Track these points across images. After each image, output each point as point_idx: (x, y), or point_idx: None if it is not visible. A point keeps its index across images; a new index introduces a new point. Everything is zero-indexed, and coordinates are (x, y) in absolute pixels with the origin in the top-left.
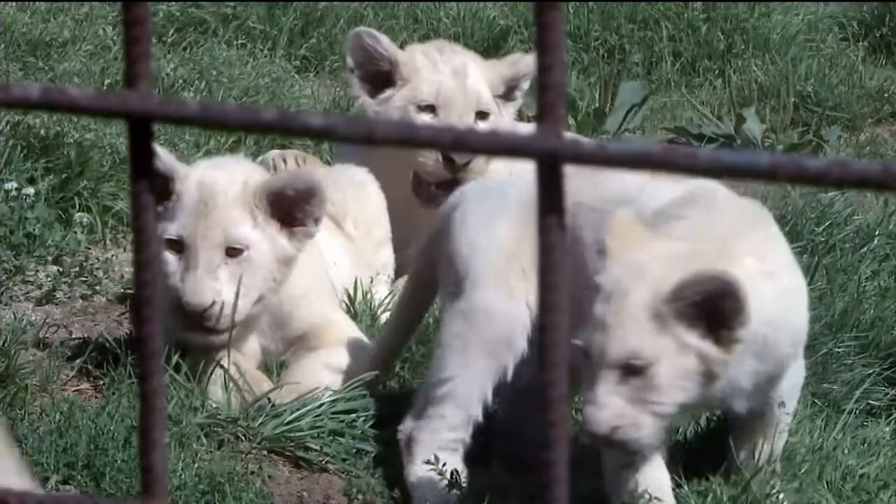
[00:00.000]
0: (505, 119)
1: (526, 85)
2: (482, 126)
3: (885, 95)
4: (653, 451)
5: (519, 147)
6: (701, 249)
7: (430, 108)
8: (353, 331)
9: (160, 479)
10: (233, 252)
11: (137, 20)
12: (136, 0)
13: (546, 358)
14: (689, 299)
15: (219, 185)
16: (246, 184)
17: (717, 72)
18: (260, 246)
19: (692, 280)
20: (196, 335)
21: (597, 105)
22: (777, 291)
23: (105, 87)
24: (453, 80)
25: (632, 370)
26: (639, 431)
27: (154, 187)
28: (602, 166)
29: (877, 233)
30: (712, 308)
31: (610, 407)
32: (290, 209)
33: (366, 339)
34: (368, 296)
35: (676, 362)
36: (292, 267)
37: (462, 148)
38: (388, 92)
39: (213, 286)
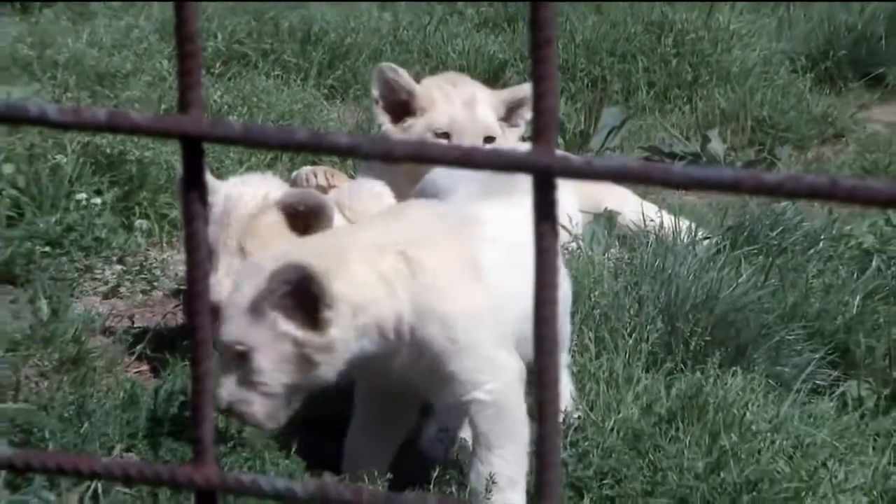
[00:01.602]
0: (509, 141)
1: (528, 112)
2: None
3: (829, 119)
4: (276, 424)
5: (517, 163)
6: (320, 248)
7: (445, 135)
8: None
9: (209, 449)
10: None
11: (189, 54)
12: (189, 39)
13: (540, 347)
14: (281, 290)
15: (242, 199)
16: (266, 197)
17: (685, 99)
18: None
19: (277, 271)
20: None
21: (582, 127)
22: (415, 286)
23: (162, 112)
24: (464, 111)
25: (239, 356)
26: (250, 407)
27: (203, 198)
28: (589, 180)
29: (822, 237)
30: (306, 297)
31: (225, 386)
32: (303, 222)
33: None
34: None
35: (273, 349)
36: None
37: (468, 164)
38: (409, 121)
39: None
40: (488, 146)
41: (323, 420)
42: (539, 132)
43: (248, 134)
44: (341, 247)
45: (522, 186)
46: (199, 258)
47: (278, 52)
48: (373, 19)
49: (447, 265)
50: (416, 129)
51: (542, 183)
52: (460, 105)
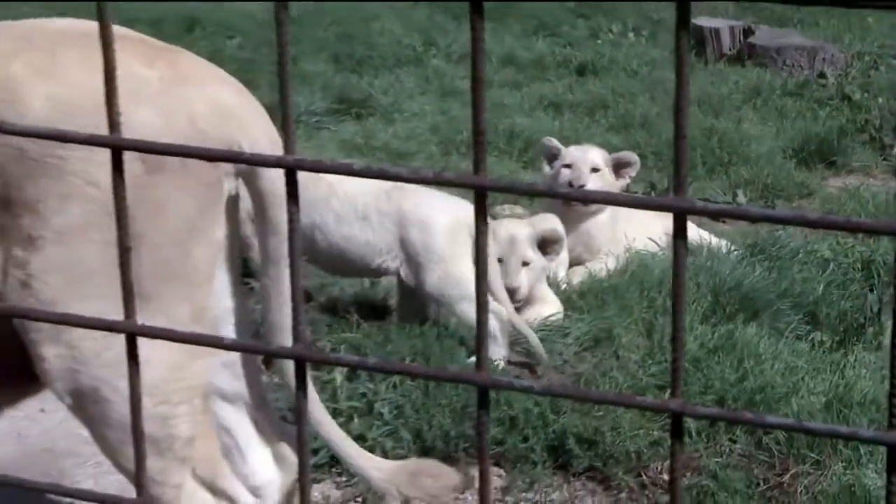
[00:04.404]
0: (614, 186)
1: (633, 171)
2: (595, 176)
3: (805, 185)
4: None
5: (662, 205)
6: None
7: (568, 166)
8: None
9: (485, 359)
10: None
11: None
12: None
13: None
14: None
15: (512, 232)
16: (525, 230)
17: (723, 172)
18: None
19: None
20: None
21: (665, 185)
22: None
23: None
24: (578, 151)
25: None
26: None
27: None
28: (708, 217)
29: (801, 250)
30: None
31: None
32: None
33: None
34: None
35: None
36: None
37: (623, 204)
38: (556, 164)
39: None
40: (594, 176)
41: None
42: (678, 184)
43: (521, 186)
44: None
45: None
46: (484, 269)
47: None
48: None
49: None
50: (556, 164)
51: (679, 218)
52: (577, 149)
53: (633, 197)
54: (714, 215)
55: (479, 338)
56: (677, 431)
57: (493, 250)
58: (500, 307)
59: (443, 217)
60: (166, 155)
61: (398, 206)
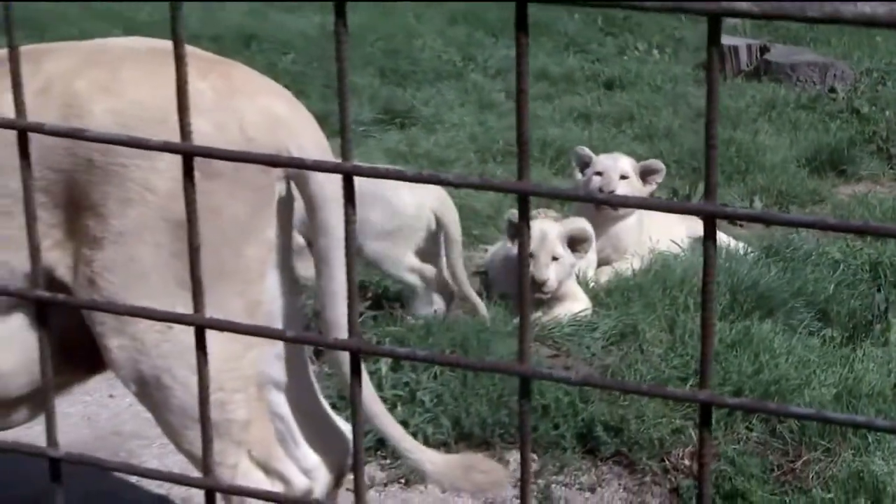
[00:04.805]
0: (642, 191)
1: (659, 178)
2: (623, 183)
3: (817, 192)
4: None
5: (692, 210)
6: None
7: (599, 174)
8: None
9: (527, 351)
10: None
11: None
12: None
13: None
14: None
15: (545, 231)
16: (556, 228)
17: (741, 180)
18: None
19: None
20: None
21: (686, 192)
22: None
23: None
24: (608, 159)
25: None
26: None
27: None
28: (741, 220)
29: (813, 252)
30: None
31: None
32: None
33: None
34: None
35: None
36: None
37: (654, 209)
38: (588, 172)
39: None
40: (623, 182)
41: None
42: (709, 190)
43: (563, 192)
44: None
45: None
46: (526, 269)
47: None
48: None
49: None
50: (588, 172)
51: (709, 222)
52: (607, 157)
53: (667, 202)
54: (742, 219)
55: (521, 331)
56: (706, 420)
57: (455, 234)
58: (427, 266)
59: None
60: (234, 161)
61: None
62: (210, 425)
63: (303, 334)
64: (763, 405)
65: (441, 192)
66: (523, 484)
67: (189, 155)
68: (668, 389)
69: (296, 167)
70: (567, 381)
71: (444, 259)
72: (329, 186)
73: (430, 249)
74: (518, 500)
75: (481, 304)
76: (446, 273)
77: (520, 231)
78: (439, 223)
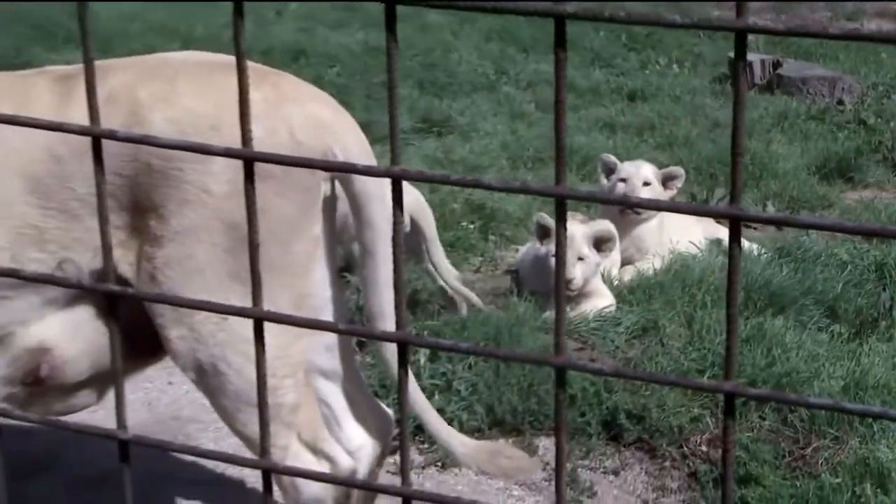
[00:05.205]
0: (664, 195)
1: (679, 183)
2: (646, 189)
3: (826, 198)
4: None
5: (719, 213)
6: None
7: (623, 180)
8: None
9: (563, 344)
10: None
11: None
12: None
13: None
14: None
15: (574, 232)
16: (582, 231)
17: (755, 186)
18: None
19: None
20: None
21: (705, 198)
22: None
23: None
24: (631, 166)
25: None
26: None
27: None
28: (764, 224)
29: (822, 253)
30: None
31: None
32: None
33: None
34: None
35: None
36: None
37: (681, 212)
38: (613, 178)
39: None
40: (646, 188)
41: None
42: (734, 195)
43: (598, 196)
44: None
45: None
46: (562, 256)
47: None
48: None
49: None
50: (613, 179)
51: (734, 224)
52: (631, 164)
53: (694, 205)
54: (765, 222)
55: (557, 325)
56: (730, 409)
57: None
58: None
59: None
60: (292, 166)
61: None
62: (267, 410)
63: (353, 326)
64: (783, 395)
65: (416, 192)
66: (558, 467)
67: (250, 160)
68: (694, 380)
69: (348, 171)
70: (600, 372)
71: (427, 258)
72: (372, 185)
73: (413, 249)
74: (547, 483)
75: (472, 295)
76: (432, 271)
77: (558, 233)
78: (415, 224)
